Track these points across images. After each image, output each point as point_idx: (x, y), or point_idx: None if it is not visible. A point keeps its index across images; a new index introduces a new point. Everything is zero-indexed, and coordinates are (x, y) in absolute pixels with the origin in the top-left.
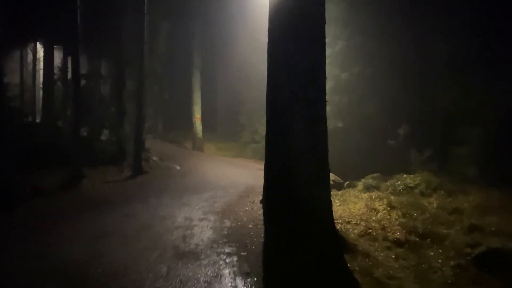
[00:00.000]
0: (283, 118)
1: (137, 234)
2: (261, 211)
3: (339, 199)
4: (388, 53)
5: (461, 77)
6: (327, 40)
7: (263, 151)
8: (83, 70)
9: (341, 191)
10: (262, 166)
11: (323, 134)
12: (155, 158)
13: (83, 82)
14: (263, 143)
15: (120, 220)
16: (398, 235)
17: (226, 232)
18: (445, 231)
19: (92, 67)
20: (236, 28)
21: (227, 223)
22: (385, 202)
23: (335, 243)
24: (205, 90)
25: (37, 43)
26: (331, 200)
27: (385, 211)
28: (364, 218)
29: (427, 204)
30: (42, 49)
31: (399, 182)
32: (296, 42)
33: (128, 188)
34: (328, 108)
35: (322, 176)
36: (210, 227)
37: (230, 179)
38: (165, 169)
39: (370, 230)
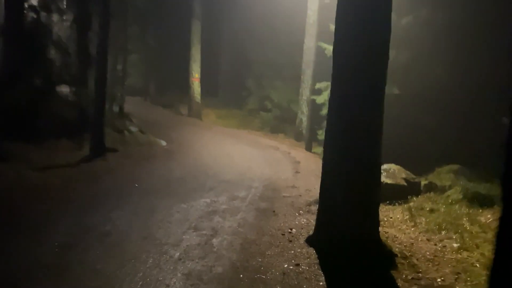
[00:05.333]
0: None
1: None
2: (323, 282)
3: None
4: None
5: None
6: None
7: (274, 122)
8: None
9: (418, 198)
10: (276, 143)
11: None
12: (133, 129)
13: (30, 15)
14: (275, 112)
15: None
16: None
17: None
18: None
19: None
20: None
21: None
22: None
23: None
24: (206, 45)
25: None
26: None
27: None
28: None
29: None
30: None
31: None
32: None
33: (71, 182)
34: None
35: None
36: None
37: (238, 167)
38: (145, 146)
39: None
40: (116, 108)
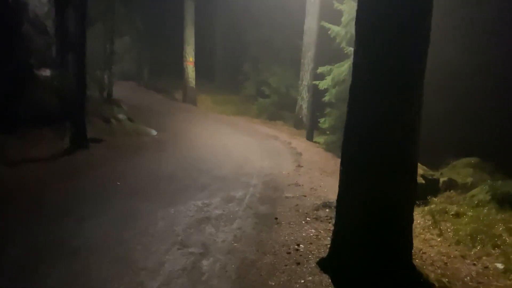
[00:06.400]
0: None
1: None
2: None
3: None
4: None
5: None
6: None
7: (272, 109)
8: None
9: (438, 199)
10: (275, 131)
11: None
12: (121, 117)
13: None
14: (273, 98)
15: None
16: None
17: None
18: None
19: None
20: None
21: None
22: None
23: None
24: (200, 27)
25: None
26: None
27: None
28: None
29: None
30: None
31: None
32: None
33: (45, 181)
34: None
35: None
36: None
37: (234, 159)
38: (133, 136)
39: None
40: (104, 94)
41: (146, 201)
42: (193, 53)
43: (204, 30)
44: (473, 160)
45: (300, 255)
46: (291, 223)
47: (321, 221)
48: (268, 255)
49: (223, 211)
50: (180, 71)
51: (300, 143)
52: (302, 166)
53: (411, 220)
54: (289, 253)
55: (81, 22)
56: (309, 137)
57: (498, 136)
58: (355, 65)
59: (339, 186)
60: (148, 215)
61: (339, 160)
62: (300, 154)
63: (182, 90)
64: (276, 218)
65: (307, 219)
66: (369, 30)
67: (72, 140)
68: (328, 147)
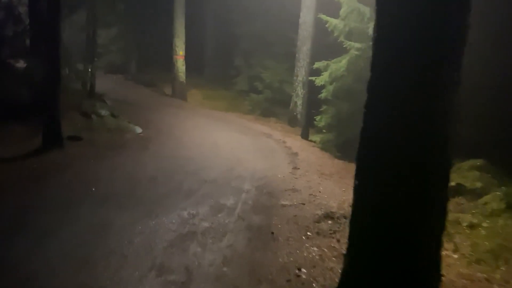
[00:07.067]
0: None
1: None
2: None
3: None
4: None
5: None
6: None
7: (265, 105)
8: None
9: (450, 206)
10: (268, 129)
11: None
12: (103, 112)
13: None
14: (266, 94)
15: None
16: None
17: None
18: None
19: None
20: None
21: None
22: None
23: None
24: (191, 19)
25: None
26: None
27: None
28: None
29: None
30: None
31: None
32: None
33: (5, 186)
34: None
35: None
36: None
37: (225, 160)
38: (116, 133)
39: None
40: (86, 88)
41: (121, 210)
42: (183, 46)
43: (195, 21)
44: (479, 162)
45: (303, 284)
46: (290, 239)
47: (323, 236)
48: (264, 284)
49: (212, 223)
50: (169, 63)
51: (295, 141)
52: (298, 168)
53: (439, 244)
54: (289, 280)
55: (56, 9)
56: (304, 136)
57: (504, 137)
58: (374, 61)
59: (354, 205)
60: (123, 228)
61: (336, 161)
62: (296, 154)
63: (171, 84)
64: (273, 233)
65: (308, 233)
66: (393, 18)
67: (45, 138)
68: (324, 146)
